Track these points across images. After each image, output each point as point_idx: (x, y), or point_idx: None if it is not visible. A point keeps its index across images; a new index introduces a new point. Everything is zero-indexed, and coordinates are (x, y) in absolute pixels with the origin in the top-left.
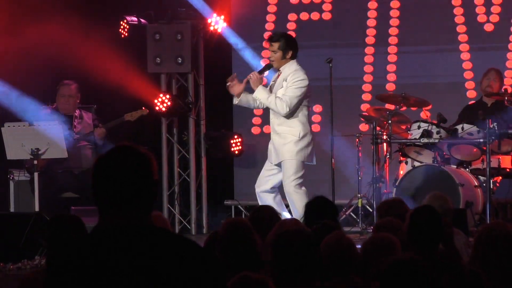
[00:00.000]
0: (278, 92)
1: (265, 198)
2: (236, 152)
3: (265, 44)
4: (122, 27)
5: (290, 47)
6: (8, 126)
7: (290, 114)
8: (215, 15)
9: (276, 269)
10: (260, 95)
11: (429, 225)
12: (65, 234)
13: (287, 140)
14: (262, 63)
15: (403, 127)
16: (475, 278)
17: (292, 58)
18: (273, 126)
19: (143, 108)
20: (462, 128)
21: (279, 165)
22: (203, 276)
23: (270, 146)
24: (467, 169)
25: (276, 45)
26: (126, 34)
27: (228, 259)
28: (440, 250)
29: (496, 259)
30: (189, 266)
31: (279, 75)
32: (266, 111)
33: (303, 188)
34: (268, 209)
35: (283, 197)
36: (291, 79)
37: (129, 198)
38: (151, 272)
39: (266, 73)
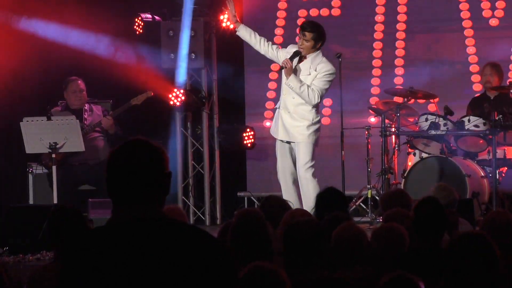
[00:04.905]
0: (306, 79)
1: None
2: (249, 145)
3: (298, 30)
4: (137, 24)
5: (321, 39)
6: (27, 121)
7: None
8: (226, 12)
9: (287, 259)
10: (294, 84)
11: (432, 215)
12: (65, 226)
13: (298, 122)
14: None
15: (411, 119)
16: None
17: (319, 49)
18: (285, 104)
19: (147, 90)
20: (469, 120)
21: (288, 142)
22: (216, 266)
23: (278, 122)
24: (474, 160)
25: (309, 35)
26: (141, 31)
27: (240, 249)
28: (445, 239)
29: (499, 247)
30: (202, 257)
31: (303, 60)
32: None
33: (317, 178)
34: (276, 198)
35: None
36: (322, 71)
37: (142, 191)
38: (164, 264)
39: (295, 60)
